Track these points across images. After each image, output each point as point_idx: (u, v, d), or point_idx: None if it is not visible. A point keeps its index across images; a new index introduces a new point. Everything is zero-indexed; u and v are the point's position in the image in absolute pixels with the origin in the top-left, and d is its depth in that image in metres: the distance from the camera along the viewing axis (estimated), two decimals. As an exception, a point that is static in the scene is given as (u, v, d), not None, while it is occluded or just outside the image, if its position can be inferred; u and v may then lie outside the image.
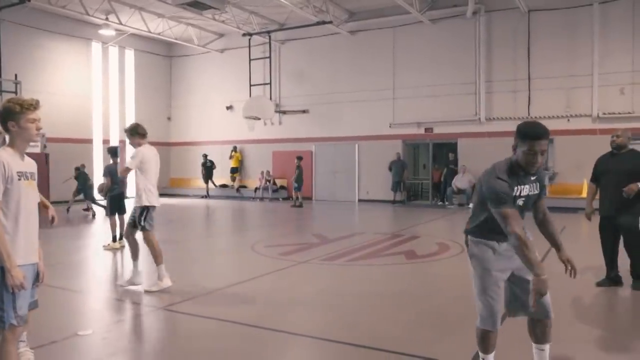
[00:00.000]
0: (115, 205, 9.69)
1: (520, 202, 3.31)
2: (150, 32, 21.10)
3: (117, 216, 9.68)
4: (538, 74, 17.48)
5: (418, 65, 19.31)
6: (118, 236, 9.48)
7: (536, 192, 3.41)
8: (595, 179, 6.66)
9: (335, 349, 4.51)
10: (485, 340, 3.44)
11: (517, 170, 3.29)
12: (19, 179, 3.10)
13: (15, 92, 17.60)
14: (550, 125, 17.58)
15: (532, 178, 3.37)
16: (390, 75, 19.88)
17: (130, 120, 23.01)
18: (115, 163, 9.99)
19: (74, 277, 7.49)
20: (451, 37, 18.83)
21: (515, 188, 3.27)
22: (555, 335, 3.54)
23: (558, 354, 4.06)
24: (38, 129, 3.22)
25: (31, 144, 3.53)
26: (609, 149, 6.57)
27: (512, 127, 17.85)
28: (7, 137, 4.08)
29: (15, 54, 18.33)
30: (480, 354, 3.54)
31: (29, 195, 3.17)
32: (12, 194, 3.06)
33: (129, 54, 23.13)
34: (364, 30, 20.35)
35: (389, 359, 4.20)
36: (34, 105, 3.18)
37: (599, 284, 6.48)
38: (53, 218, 3.71)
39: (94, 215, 15.22)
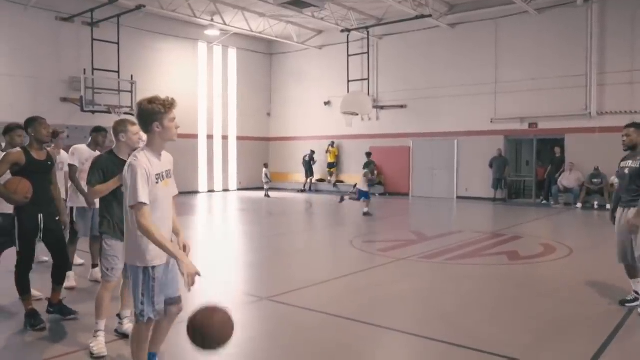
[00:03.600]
0: None
1: None
2: (252, 31, 21.84)
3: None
4: (659, 64, 16.13)
5: (522, 57, 18.47)
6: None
7: None
8: None
9: (432, 347, 4.49)
10: None
11: None
12: (157, 182, 3.20)
13: (132, 92, 18.95)
14: (671, 118, 16.27)
15: None
16: (492, 69, 19.18)
17: (232, 116, 24.04)
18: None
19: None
20: (559, 27, 17.81)
21: None
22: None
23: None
24: (177, 127, 3.29)
25: (143, 139, 3.69)
26: None
27: (627, 121, 16.80)
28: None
29: (132, 56, 19.71)
30: None
31: (165, 196, 3.27)
32: (150, 198, 3.14)
33: (232, 53, 24.08)
34: (464, 22, 19.77)
35: (491, 362, 4.12)
36: (173, 105, 3.23)
37: None
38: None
39: None
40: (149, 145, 3.26)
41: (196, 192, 22.23)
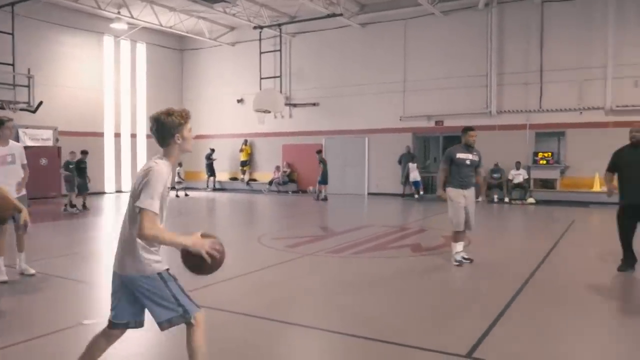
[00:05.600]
0: None
1: None
2: (161, 25, 21.17)
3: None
4: (550, 65, 17.29)
5: (429, 57, 19.20)
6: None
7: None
8: (614, 169, 7.03)
9: (338, 340, 4.53)
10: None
11: None
12: (167, 194, 3.11)
13: (29, 86, 17.80)
14: (562, 118, 17.65)
15: None
16: (401, 68, 19.79)
17: (141, 113, 23.19)
18: None
19: (84, 268, 7.58)
20: (463, 29, 18.68)
21: None
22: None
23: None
24: (192, 138, 3.21)
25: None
26: (623, 142, 7.05)
27: (523, 120, 17.90)
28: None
29: (29, 48, 18.50)
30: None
31: (164, 208, 3.12)
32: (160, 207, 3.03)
33: (141, 48, 23.24)
34: (375, 22, 20.25)
35: (391, 350, 4.22)
36: (189, 115, 3.14)
37: (620, 269, 6.88)
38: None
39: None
40: (167, 157, 3.10)
41: (102, 193, 21.25)
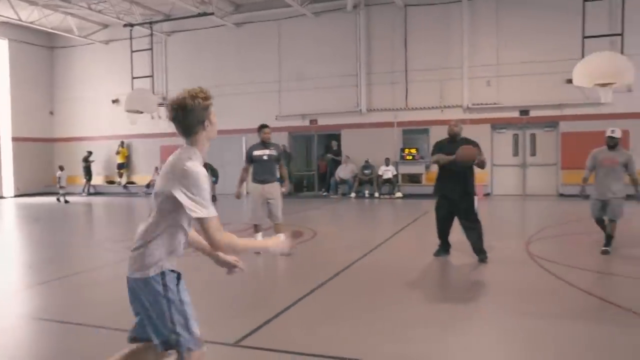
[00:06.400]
0: None
1: None
2: (21, 20, 19.88)
3: None
4: (414, 66, 18.15)
5: (303, 57, 19.50)
6: None
7: None
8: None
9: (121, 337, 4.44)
10: None
11: None
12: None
13: None
14: (426, 115, 18.50)
15: None
16: (276, 68, 19.95)
17: (6, 116, 21.70)
18: None
19: None
20: (333, 30, 19.16)
21: None
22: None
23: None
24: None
25: None
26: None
27: (391, 118, 18.58)
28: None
29: None
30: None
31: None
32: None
33: (3, 44, 21.73)
34: (250, 22, 20.27)
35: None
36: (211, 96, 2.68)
37: (436, 254, 7.38)
38: None
39: None
40: (198, 147, 2.64)
41: None
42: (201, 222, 2.48)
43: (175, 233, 2.59)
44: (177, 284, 2.60)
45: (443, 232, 7.34)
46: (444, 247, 7.41)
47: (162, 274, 2.55)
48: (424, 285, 6.12)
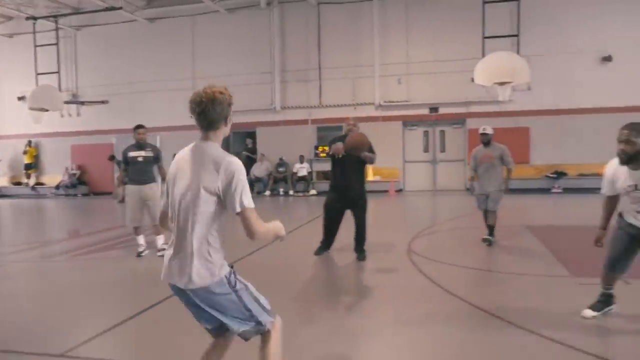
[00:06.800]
0: None
1: None
2: None
3: None
4: (328, 64, 18.26)
5: (217, 54, 19.22)
6: None
7: None
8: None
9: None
10: None
11: None
12: None
13: None
14: (339, 113, 18.55)
15: None
16: (190, 65, 19.57)
17: None
18: None
19: None
20: (248, 26, 18.97)
21: None
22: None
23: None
24: None
25: None
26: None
27: (305, 115, 18.47)
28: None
29: None
30: None
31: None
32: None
33: None
34: (163, 18, 19.79)
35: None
36: None
37: (318, 253, 7.41)
38: None
39: None
40: (217, 142, 2.74)
41: None
42: (244, 213, 2.56)
43: (220, 230, 2.67)
44: (235, 275, 2.71)
45: (330, 228, 7.36)
46: (327, 244, 7.44)
47: (226, 273, 2.66)
48: (293, 288, 6.11)
